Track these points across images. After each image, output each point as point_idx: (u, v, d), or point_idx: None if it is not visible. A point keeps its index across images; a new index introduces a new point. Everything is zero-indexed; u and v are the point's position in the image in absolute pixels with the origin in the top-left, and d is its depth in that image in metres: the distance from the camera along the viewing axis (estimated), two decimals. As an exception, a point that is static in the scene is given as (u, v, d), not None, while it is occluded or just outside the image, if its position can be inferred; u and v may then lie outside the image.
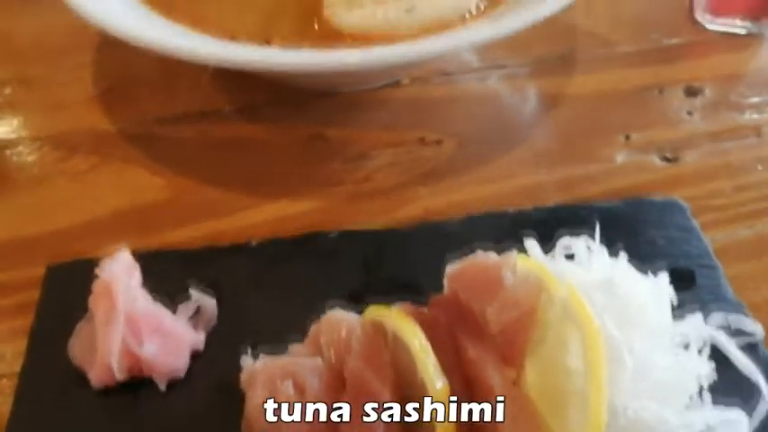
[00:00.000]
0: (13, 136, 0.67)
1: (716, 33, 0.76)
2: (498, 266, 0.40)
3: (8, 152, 0.65)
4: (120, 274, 0.41)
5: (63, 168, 0.63)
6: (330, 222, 0.57)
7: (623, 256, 0.42)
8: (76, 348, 0.45)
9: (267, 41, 0.57)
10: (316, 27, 0.58)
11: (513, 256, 0.40)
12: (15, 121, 0.69)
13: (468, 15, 0.58)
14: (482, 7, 0.59)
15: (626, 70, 0.72)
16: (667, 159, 0.62)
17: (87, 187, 0.62)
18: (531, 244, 0.44)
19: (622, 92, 0.69)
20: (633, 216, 0.55)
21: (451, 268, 0.43)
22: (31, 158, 0.64)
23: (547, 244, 0.47)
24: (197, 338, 0.46)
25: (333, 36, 0.57)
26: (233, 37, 0.57)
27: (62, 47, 0.77)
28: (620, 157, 0.63)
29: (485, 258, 0.41)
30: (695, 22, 0.77)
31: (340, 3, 0.58)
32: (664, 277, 0.41)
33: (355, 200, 0.60)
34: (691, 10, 0.77)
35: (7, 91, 0.72)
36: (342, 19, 0.57)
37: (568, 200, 0.58)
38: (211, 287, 0.50)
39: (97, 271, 0.43)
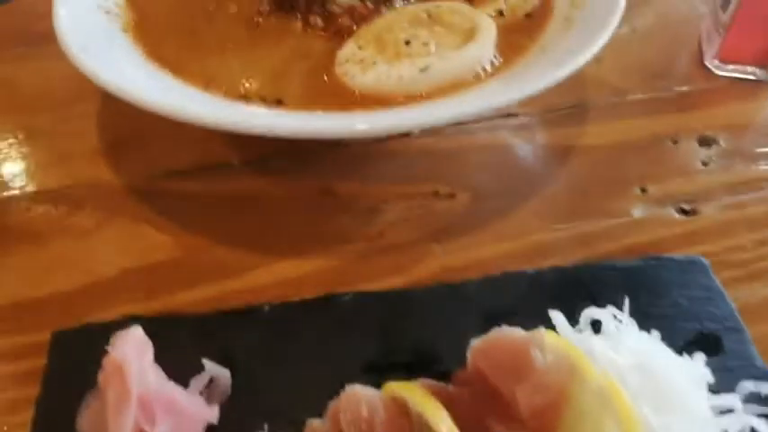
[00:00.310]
0: (15, 191, 0.65)
1: (726, 80, 0.75)
2: (526, 344, 0.38)
3: (11, 207, 0.64)
4: (133, 354, 0.40)
5: (68, 225, 0.62)
6: (343, 282, 0.56)
7: (656, 334, 0.40)
8: (86, 425, 0.43)
9: (279, 101, 0.56)
10: (326, 83, 0.57)
11: (542, 333, 0.39)
12: (18, 175, 0.67)
13: (482, 73, 0.57)
14: (496, 63, 0.58)
15: (638, 119, 0.71)
16: (685, 212, 0.61)
17: (93, 246, 0.60)
18: (557, 317, 0.42)
19: (636, 142, 0.69)
20: (655, 276, 0.54)
21: (476, 344, 0.41)
22: (34, 215, 0.63)
23: (569, 309, 0.46)
24: (211, 413, 0.44)
25: (345, 95, 0.56)
26: (244, 97, 0.56)
27: (66, 96, 0.75)
28: (638, 211, 0.62)
29: (511, 334, 0.40)
30: (705, 69, 0.76)
31: (352, 62, 0.57)
32: (700, 358, 0.39)
33: (368, 258, 0.58)
34: (700, 57, 0.77)
35: (10, 142, 0.71)
36: (355, 79, 0.56)
37: (587, 257, 0.57)
38: (224, 356, 0.49)
39: (109, 348, 0.41)
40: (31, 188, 0.66)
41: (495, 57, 0.59)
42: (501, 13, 0.64)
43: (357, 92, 0.56)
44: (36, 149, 0.70)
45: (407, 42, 0.57)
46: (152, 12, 0.65)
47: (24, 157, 0.69)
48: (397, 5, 0.64)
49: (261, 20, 0.64)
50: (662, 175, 0.65)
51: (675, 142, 0.68)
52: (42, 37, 0.76)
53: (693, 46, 0.79)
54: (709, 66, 0.76)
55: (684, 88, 0.75)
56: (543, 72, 0.52)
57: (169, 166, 0.67)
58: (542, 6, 0.65)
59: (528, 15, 0.64)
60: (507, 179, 0.66)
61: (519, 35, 0.62)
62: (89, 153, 0.69)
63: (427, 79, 0.55)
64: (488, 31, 0.58)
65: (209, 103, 0.54)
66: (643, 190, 0.64)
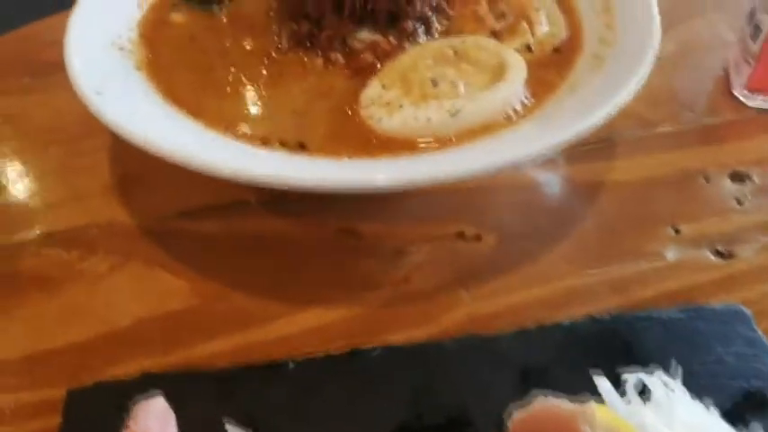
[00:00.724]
0: (25, 233, 0.63)
1: (756, 111, 0.73)
2: (574, 420, 0.36)
3: (21, 252, 0.62)
4: (156, 428, 0.38)
5: (80, 270, 0.60)
6: (369, 332, 0.54)
7: (709, 402, 0.38)
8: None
9: (301, 145, 0.53)
10: (350, 125, 0.55)
11: (592, 409, 0.36)
12: (27, 216, 0.65)
13: (513, 114, 0.55)
14: (527, 103, 0.56)
15: (667, 153, 0.69)
16: (720, 255, 0.59)
17: (106, 293, 0.58)
18: (603, 384, 0.40)
19: (666, 178, 0.66)
20: (695, 328, 0.51)
21: (518, 416, 0.39)
22: (45, 259, 0.61)
23: (608, 365, 0.44)
24: (235, 481, 0.42)
25: (371, 138, 0.54)
26: (265, 141, 0.53)
27: (76, 130, 0.73)
28: (671, 253, 0.59)
29: (557, 408, 0.37)
30: (734, 100, 0.74)
31: (378, 105, 0.55)
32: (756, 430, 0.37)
33: (394, 305, 0.56)
34: (728, 87, 0.75)
35: (17, 180, 0.69)
36: (381, 123, 0.54)
37: (621, 305, 0.55)
38: (246, 416, 0.46)
39: (131, 423, 0.39)
40: (40, 230, 0.63)
41: (525, 96, 0.57)
42: (529, 48, 0.62)
43: (383, 136, 0.54)
44: (46, 187, 0.68)
45: (434, 82, 0.55)
46: (166, 49, 0.63)
47: (35, 195, 0.67)
48: (421, 40, 0.62)
49: (279, 56, 0.62)
50: (695, 214, 0.63)
51: (707, 178, 0.66)
52: (49, 66, 0.74)
53: (720, 75, 0.77)
54: (739, 96, 0.74)
55: (713, 120, 0.72)
56: (576, 116, 0.50)
57: (183, 204, 0.65)
58: (571, 41, 0.63)
59: (556, 50, 0.62)
60: (534, 219, 0.63)
61: (548, 71, 0.60)
62: (101, 191, 0.67)
63: (457, 123, 0.53)
64: (518, 70, 0.56)
65: (226, 149, 0.52)
66: (676, 230, 0.61)
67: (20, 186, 0.68)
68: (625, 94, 0.50)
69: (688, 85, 0.77)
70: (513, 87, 0.56)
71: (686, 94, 0.76)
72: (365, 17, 0.60)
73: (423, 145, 0.53)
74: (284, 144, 0.53)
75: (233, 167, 0.48)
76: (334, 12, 0.60)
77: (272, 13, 0.66)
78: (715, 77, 0.77)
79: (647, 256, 0.59)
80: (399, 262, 0.59)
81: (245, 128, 0.55)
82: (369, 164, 0.50)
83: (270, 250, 0.61)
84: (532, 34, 0.63)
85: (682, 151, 0.69)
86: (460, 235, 0.61)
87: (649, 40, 0.55)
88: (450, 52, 0.58)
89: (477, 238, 0.61)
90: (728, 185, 0.65)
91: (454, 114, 0.53)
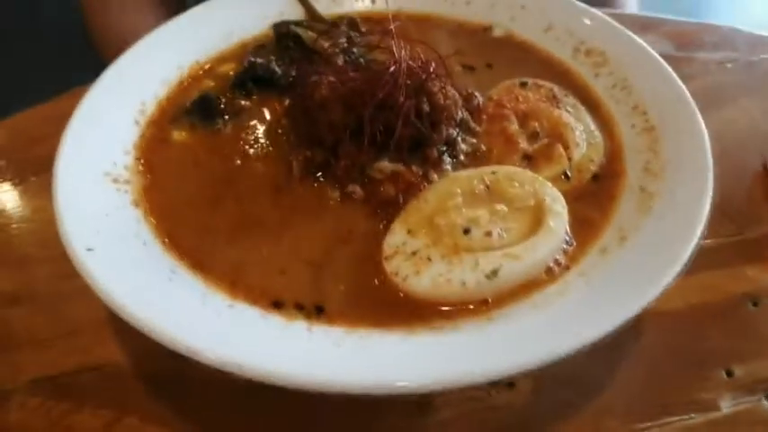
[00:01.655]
0: (10, 384, 0.57)
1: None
2: None
3: (7, 404, 0.55)
4: None
5: (70, 426, 0.53)
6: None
7: None
8: None
9: (319, 308, 0.47)
10: (374, 284, 0.49)
11: None
12: (16, 357, 0.59)
13: (555, 266, 0.50)
14: (568, 248, 0.51)
15: (710, 273, 0.63)
16: (780, 404, 0.54)
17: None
18: None
19: (712, 305, 0.61)
20: None
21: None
22: (33, 414, 0.54)
23: None
24: None
25: (398, 300, 0.48)
26: (277, 302, 0.47)
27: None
28: (726, 403, 0.54)
29: None
30: (774, 208, 0.69)
31: (403, 256, 0.49)
32: None
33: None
34: (765, 196, 0.70)
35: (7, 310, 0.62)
36: (408, 281, 0.48)
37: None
38: None
39: None
40: (30, 376, 0.57)
41: (567, 238, 0.51)
42: (566, 176, 0.56)
43: (411, 296, 0.48)
44: (37, 322, 0.61)
45: (466, 230, 0.49)
46: (166, 177, 0.57)
47: (24, 329, 0.61)
48: (446, 166, 0.56)
49: (291, 188, 0.56)
50: (747, 352, 0.57)
51: (755, 304, 0.61)
52: (38, 164, 0.68)
53: (759, 172, 0.71)
54: (783, 202, 0.68)
55: (754, 233, 0.67)
56: (628, 286, 0.45)
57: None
58: (611, 164, 0.57)
59: (595, 177, 0.57)
60: (572, 361, 0.58)
61: (588, 206, 0.54)
62: (92, 325, 0.60)
63: (495, 285, 0.47)
64: (559, 215, 0.51)
65: (233, 323, 0.46)
66: (729, 373, 0.56)
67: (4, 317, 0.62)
68: (681, 263, 0.45)
69: (727, 187, 0.71)
70: (555, 241, 0.50)
71: (726, 199, 0.69)
72: (386, 145, 0.54)
73: (455, 309, 0.47)
74: (301, 308, 0.47)
75: (250, 367, 0.42)
76: (351, 138, 0.54)
77: (280, 131, 0.60)
78: (754, 175, 0.72)
79: (700, 407, 0.54)
80: (425, 419, 0.53)
81: (254, 285, 0.49)
82: (395, 357, 0.44)
83: (277, 400, 0.54)
84: (569, 158, 0.57)
85: (725, 271, 0.64)
86: (492, 382, 0.55)
87: (704, 185, 0.50)
88: (482, 187, 0.52)
89: (510, 385, 0.55)
90: (779, 314, 0.60)
91: (491, 277, 0.47)
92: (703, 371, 0.56)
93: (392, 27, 0.59)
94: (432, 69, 0.55)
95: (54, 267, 0.65)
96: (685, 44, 0.89)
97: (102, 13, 1.00)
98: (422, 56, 0.57)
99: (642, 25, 0.89)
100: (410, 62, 0.54)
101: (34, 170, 0.73)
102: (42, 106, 0.80)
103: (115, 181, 0.55)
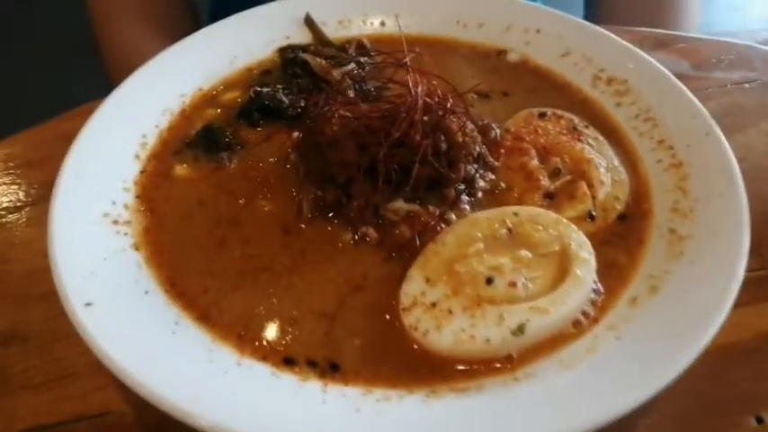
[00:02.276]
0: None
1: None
2: None
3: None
4: None
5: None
6: None
7: None
8: None
9: (334, 365, 0.45)
10: (391, 339, 0.46)
11: None
12: (11, 403, 0.56)
13: (583, 318, 0.47)
14: (596, 298, 0.48)
15: (736, 310, 0.60)
16: (815, 458, 0.51)
17: None
18: None
19: (741, 345, 0.58)
20: None
21: None
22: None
23: None
24: None
25: (417, 357, 0.45)
26: (288, 359, 0.44)
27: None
28: (758, 458, 0.51)
29: None
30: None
31: (422, 308, 0.46)
32: None
33: None
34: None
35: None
36: (428, 337, 0.45)
37: None
38: None
39: None
40: (23, 424, 0.54)
41: (595, 284, 0.48)
42: (591, 216, 0.53)
43: (432, 353, 0.45)
44: (31, 365, 0.58)
45: (489, 280, 0.47)
46: (168, 217, 0.54)
47: (14, 375, 0.58)
48: (464, 205, 0.54)
49: (301, 228, 0.53)
50: (777, 395, 0.55)
51: (786, 338, 0.58)
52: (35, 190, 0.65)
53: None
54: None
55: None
56: (664, 343, 0.42)
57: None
58: (638, 203, 0.55)
59: (622, 217, 0.54)
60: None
61: (615, 249, 0.52)
62: (90, 368, 0.57)
63: (521, 341, 0.45)
64: (586, 264, 0.48)
65: (240, 388, 0.43)
66: (759, 420, 0.53)
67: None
68: (719, 319, 0.43)
69: (752, 216, 0.69)
70: (584, 292, 0.47)
71: (751, 228, 0.68)
72: (401, 183, 0.51)
73: (479, 367, 0.44)
74: (314, 365, 0.44)
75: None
76: (364, 177, 0.51)
77: (288, 166, 0.57)
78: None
79: (731, 463, 0.51)
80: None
81: (264, 340, 0.46)
82: (417, 423, 0.41)
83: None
84: (593, 197, 0.54)
85: (755, 307, 0.61)
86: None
87: (739, 228, 0.48)
88: (503, 231, 0.49)
89: None
90: (812, 357, 0.57)
91: (517, 333, 0.44)
92: (732, 417, 0.53)
93: (407, 60, 0.56)
94: (449, 105, 0.52)
95: (48, 305, 0.62)
96: (701, 63, 0.86)
97: (111, 31, 0.95)
98: (438, 90, 0.54)
99: (656, 42, 0.87)
100: (426, 98, 0.51)
101: (31, 198, 0.70)
102: (41, 127, 0.76)
103: (115, 222, 0.52)
